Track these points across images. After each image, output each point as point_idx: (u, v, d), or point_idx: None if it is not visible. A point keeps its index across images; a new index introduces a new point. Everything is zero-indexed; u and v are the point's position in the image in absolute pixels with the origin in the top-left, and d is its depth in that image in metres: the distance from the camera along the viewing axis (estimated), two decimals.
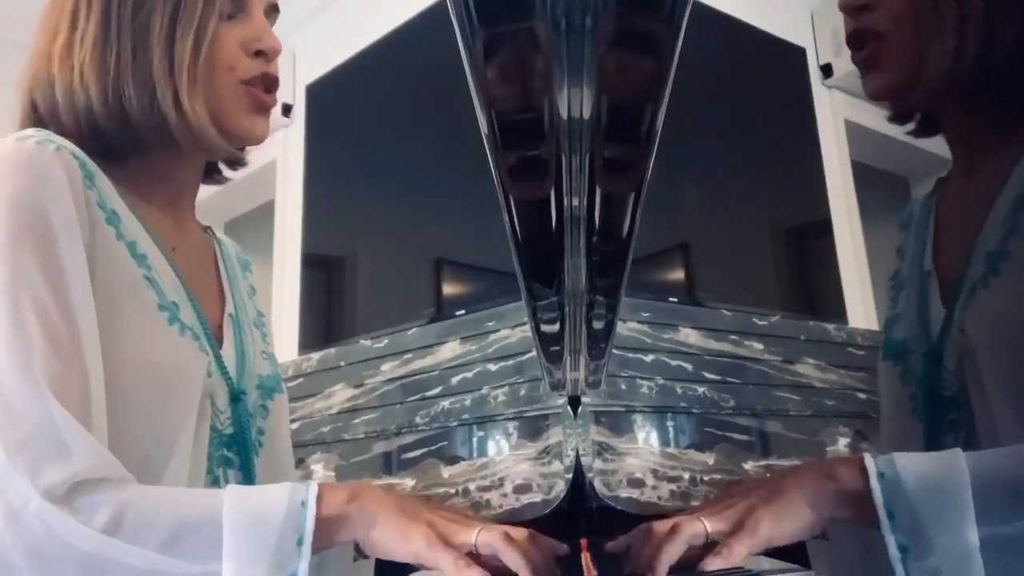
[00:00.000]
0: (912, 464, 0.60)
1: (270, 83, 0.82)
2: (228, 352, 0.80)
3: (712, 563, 0.62)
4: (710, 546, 0.64)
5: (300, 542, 0.59)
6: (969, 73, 0.71)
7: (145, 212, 0.77)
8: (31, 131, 0.70)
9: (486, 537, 0.63)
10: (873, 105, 0.84)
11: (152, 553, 0.58)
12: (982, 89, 0.75)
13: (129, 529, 0.58)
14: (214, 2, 0.77)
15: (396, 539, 0.62)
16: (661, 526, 0.67)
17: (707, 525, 0.64)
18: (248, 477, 0.78)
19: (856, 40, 0.79)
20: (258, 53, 0.80)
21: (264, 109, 0.82)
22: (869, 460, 0.61)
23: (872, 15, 0.77)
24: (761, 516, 0.63)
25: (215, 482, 0.75)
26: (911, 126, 0.86)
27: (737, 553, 0.62)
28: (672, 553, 0.63)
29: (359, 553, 0.72)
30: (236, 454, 0.78)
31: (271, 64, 0.82)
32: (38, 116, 0.77)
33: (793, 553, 0.72)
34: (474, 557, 0.63)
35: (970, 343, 0.72)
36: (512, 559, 0.62)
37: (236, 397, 0.78)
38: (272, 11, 0.84)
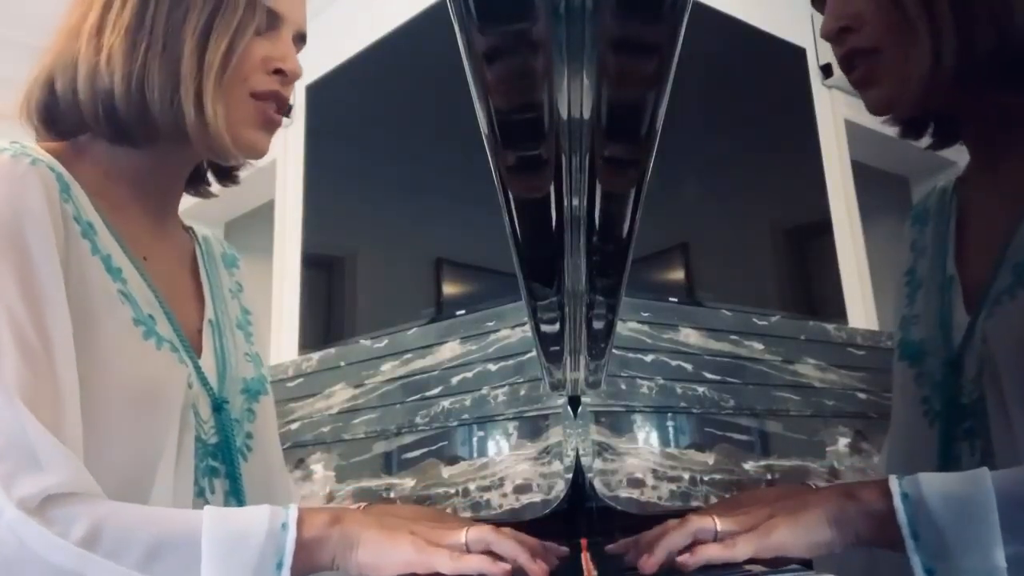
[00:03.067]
0: (937, 484, 0.60)
1: (281, 103, 0.81)
2: (208, 360, 0.80)
3: (709, 549, 0.62)
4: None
5: (280, 565, 0.59)
6: (952, 74, 0.71)
7: (119, 221, 0.76)
8: (4, 144, 0.70)
9: (476, 533, 0.64)
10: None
11: (129, 570, 0.57)
12: (978, 85, 0.74)
13: (107, 544, 0.57)
14: (254, 15, 0.77)
15: (383, 553, 0.62)
16: (674, 521, 0.68)
17: (717, 523, 0.64)
18: (235, 485, 0.78)
19: (848, 62, 0.79)
20: (277, 71, 0.80)
21: (271, 126, 0.82)
22: (893, 481, 0.61)
23: (858, 35, 0.77)
24: (778, 524, 0.63)
25: (200, 493, 0.75)
26: (927, 140, 0.86)
27: (741, 548, 0.61)
28: (675, 540, 0.64)
29: None
30: (222, 463, 0.77)
31: (287, 86, 0.81)
32: (52, 94, 0.76)
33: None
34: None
35: (991, 353, 0.72)
36: (507, 547, 0.63)
37: (218, 406, 0.78)
38: (300, 40, 0.84)
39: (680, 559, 0.63)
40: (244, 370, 0.85)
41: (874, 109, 0.80)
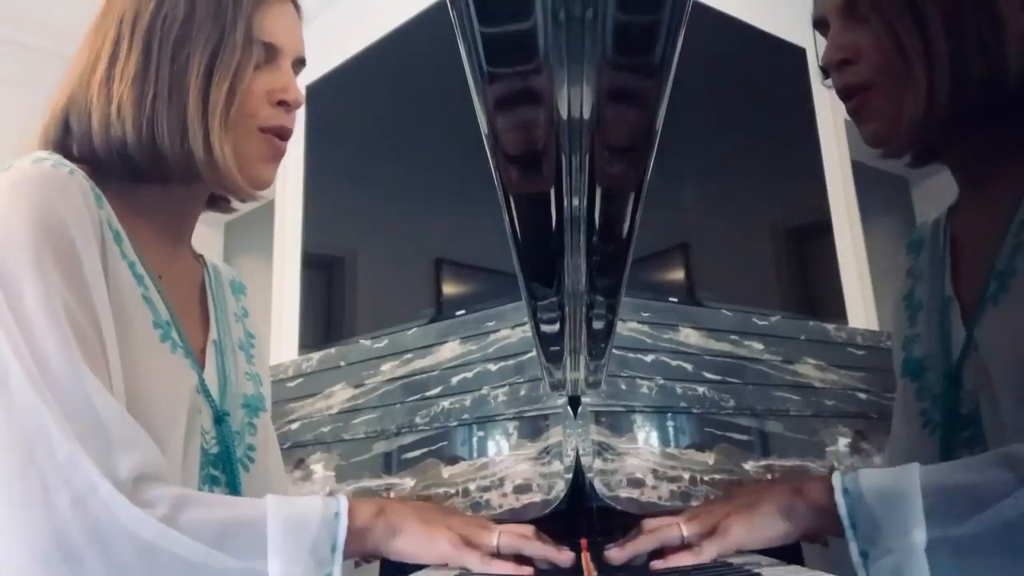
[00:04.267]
0: (873, 478, 0.66)
1: (285, 134, 0.85)
2: (210, 376, 0.83)
3: (682, 558, 0.69)
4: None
5: (334, 548, 0.65)
6: (945, 117, 0.74)
7: (140, 238, 0.79)
8: (43, 154, 0.73)
9: (507, 540, 0.71)
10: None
11: (203, 547, 0.62)
12: (968, 125, 0.77)
13: (186, 523, 0.62)
14: (251, 52, 0.80)
15: (422, 545, 0.69)
16: (650, 523, 0.76)
17: (684, 529, 0.72)
18: (235, 494, 0.81)
19: (845, 93, 0.82)
20: (280, 103, 0.83)
21: (278, 157, 0.86)
22: (836, 477, 0.67)
23: (856, 68, 0.80)
24: (733, 523, 0.70)
25: None
26: (907, 159, 0.88)
27: (707, 552, 0.69)
28: (641, 546, 0.72)
29: (363, 559, 0.75)
30: (222, 472, 0.81)
31: (290, 116, 0.85)
32: (68, 135, 0.79)
33: (789, 556, 0.75)
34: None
35: (981, 357, 0.75)
36: (539, 551, 0.70)
37: (219, 418, 0.81)
38: (299, 64, 0.87)
39: (653, 565, 0.70)
40: (244, 387, 0.88)
41: (868, 142, 0.83)
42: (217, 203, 0.93)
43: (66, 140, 0.79)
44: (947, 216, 0.91)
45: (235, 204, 0.92)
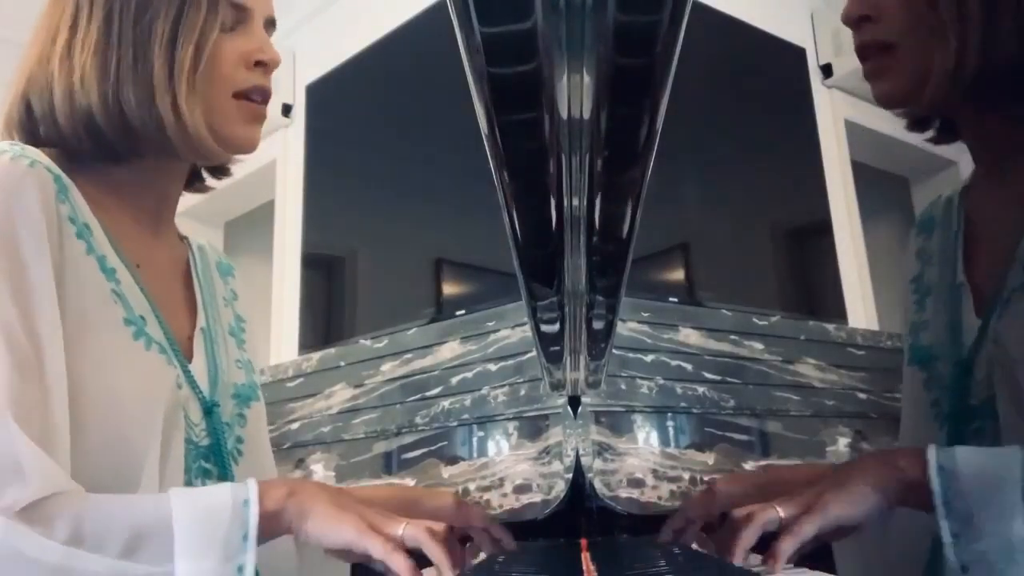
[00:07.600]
0: (970, 458, 0.65)
1: (264, 95, 0.83)
2: (199, 365, 0.81)
3: (785, 542, 0.67)
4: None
5: (245, 537, 0.63)
6: (972, 75, 0.73)
7: (114, 227, 0.77)
8: (5, 146, 0.71)
9: (412, 531, 0.69)
10: (875, 106, 0.84)
11: (113, 560, 0.60)
12: (993, 92, 0.76)
13: (89, 539, 0.61)
14: (217, 12, 0.78)
15: (329, 527, 0.67)
16: (738, 512, 0.73)
17: (780, 511, 0.69)
18: None
19: (864, 52, 0.81)
20: (258, 63, 0.81)
21: (258, 119, 0.83)
22: (931, 452, 0.66)
23: (876, 26, 0.78)
24: (830, 499, 0.68)
25: None
26: (930, 133, 0.87)
27: (807, 531, 0.67)
28: (748, 538, 0.70)
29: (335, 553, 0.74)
30: (214, 464, 0.79)
31: (267, 76, 0.83)
32: (32, 119, 0.77)
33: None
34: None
35: (1004, 351, 0.74)
36: (435, 553, 0.68)
37: (209, 409, 0.80)
38: (270, 25, 0.85)
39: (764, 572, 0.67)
40: (235, 376, 0.86)
41: (883, 102, 0.81)
42: (194, 182, 0.90)
43: (30, 123, 0.77)
44: (961, 196, 0.89)
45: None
